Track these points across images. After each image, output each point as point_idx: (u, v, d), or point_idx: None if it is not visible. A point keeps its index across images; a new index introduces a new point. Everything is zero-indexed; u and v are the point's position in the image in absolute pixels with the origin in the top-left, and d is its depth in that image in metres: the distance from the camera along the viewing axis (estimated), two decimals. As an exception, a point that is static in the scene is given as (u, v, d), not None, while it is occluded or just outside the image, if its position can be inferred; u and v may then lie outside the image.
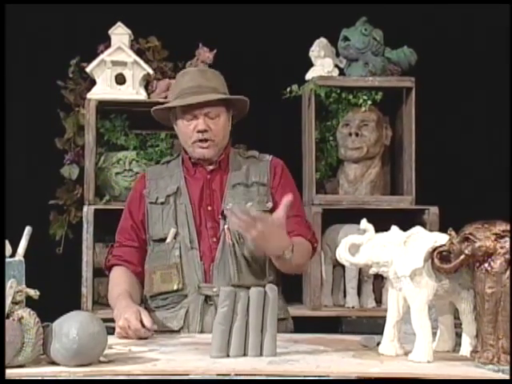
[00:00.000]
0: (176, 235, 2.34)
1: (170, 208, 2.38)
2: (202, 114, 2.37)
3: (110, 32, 3.46)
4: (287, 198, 2.15)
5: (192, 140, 2.39)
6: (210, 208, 2.39)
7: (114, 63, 3.41)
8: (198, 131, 2.37)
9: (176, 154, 2.58)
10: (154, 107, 2.52)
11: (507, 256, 1.75)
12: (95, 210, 3.29)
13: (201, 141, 2.37)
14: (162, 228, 2.37)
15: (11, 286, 1.73)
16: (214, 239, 2.35)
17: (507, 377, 1.68)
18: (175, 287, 2.32)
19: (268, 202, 2.41)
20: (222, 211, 2.36)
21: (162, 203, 2.39)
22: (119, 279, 2.40)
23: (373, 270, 1.90)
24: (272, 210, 2.31)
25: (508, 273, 1.75)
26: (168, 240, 2.34)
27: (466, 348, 1.90)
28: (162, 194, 2.40)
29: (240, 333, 1.85)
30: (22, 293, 1.75)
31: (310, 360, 1.82)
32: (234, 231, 2.31)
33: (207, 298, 2.30)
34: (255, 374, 1.69)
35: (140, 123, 3.52)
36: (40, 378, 1.66)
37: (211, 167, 2.44)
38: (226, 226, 2.33)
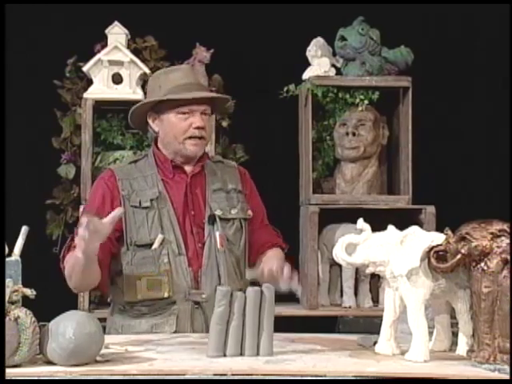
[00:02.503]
0: (163, 241, 2.30)
1: (155, 213, 2.32)
2: (199, 111, 2.35)
3: (106, 31, 3.46)
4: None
5: (186, 135, 2.35)
6: (193, 213, 2.36)
7: (111, 62, 3.41)
8: (197, 127, 2.34)
9: (140, 154, 2.53)
10: (144, 101, 2.46)
11: (503, 255, 1.76)
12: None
13: (195, 138, 2.35)
14: (149, 233, 2.30)
15: (7, 286, 1.73)
16: (200, 245, 2.33)
17: (504, 376, 1.68)
18: (165, 295, 2.27)
19: (248, 210, 2.43)
20: (210, 216, 2.35)
21: (147, 208, 2.32)
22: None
23: (369, 270, 1.91)
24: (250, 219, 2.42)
25: (504, 272, 1.75)
26: (155, 246, 2.28)
27: (462, 347, 1.91)
28: (143, 197, 2.33)
29: (237, 332, 1.85)
30: (19, 292, 1.75)
31: (307, 359, 1.82)
32: (223, 236, 2.32)
33: (195, 304, 2.29)
34: (252, 374, 1.69)
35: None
36: (36, 378, 1.66)
37: (191, 170, 2.40)
38: (218, 233, 2.32)
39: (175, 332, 2.27)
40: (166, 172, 2.40)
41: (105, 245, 2.21)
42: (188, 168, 2.41)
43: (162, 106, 2.38)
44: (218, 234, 2.32)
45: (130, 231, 2.31)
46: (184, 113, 2.35)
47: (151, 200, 2.33)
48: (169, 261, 2.29)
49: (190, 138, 2.35)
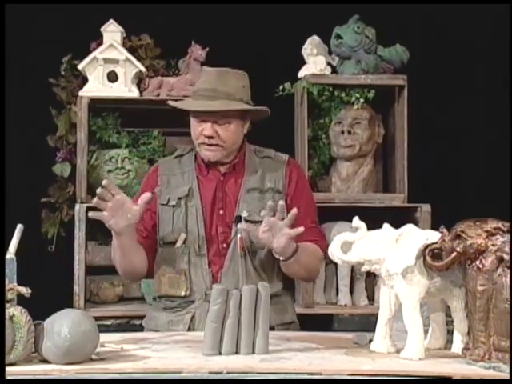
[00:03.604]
0: (185, 240, 2.30)
1: (181, 211, 2.32)
2: (210, 120, 2.30)
3: (102, 29, 3.45)
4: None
5: (199, 141, 2.34)
6: (221, 212, 2.34)
7: (106, 61, 3.41)
8: (205, 136, 2.31)
9: (189, 147, 2.46)
10: (170, 102, 2.42)
11: (498, 253, 1.76)
12: (87, 208, 3.28)
13: (207, 144, 2.32)
14: (172, 232, 2.32)
15: (2, 284, 1.73)
16: (224, 245, 2.31)
17: (499, 374, 1.68)
18: (182, 293, 2.29)
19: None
20: (236, 217, 2.31)
21: (174, 206, 2.33)
22: None
23: (365, 268, 1.91)
24: (284, 218, 2.25)
25: (499, 270, 1.76)
26: (177, 245, 2.30)
27: (457, 345, 1.91)
28: (173, 195, 2.35)
29: (232, 330, 1.85)
30: (14, 291, 1.75)
31: (302, 358, 1.82)
32: (246, 240, 2.29)
33: None
34: (247, 372, 1.69)
35: (132, 121, 3.51)
36: (32, 376, 1.66)
37: (225, 169, 2.37)
38: (238, 236, 2.29)
39: (188, 331, 2.27)
40: (202, 169, 2.39)
41: (143, 238, 2.34)
42: (223, 167, 2.38)
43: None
44: (238, 236, 2.30)
45: (160, 228, 2.36)
46: (198, 120, 2.33)
47: (179, 198, 2.34)
48: (188, 260, 2.30)
49: (203, 143, 2.33)
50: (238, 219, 2.31)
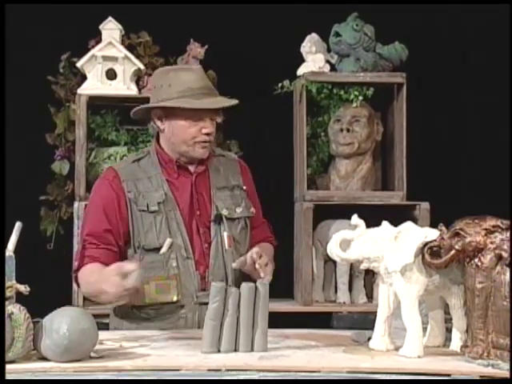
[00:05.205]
0: (171, 245, 2.28)
1: (163, 217, 2.29)
2: (209, 117, 2.31)
3: (100, 27, 3.45)
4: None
5: (196, 140, 2.31)
6: (198, 212, 2.34)
7: (105, 58, 3.40)
8: (206, 134, 2.30)
9: (146, 151, 2.42)
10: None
11: (497, 251, 1.76)
12: (85, 205, 3.28)
13: (204, 142, 2.31)
14: (157, 237, 2.28)
15: (1, 282, 1.73)
16: (206, 245, 2.32)
17: (503, 373, 1.69)
18: (174, 298, 2.26)
19: (251, 208, 2.41)
20: (216, 216, 2.32)
21: (154, 211, 2.29)
22: (98, 268, 2.22)
23: (364, 266, 1.91)
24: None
25: (498, 268, 1.76)
26: (164, 250, 2.26)
27: (456, 343, 1.91)
28: (151, 200, 2.30)
29: (231, 328, 1.85)
30: (12, 288, 1.75)
31: (301, 355, 1.83)
32: (231, 237, 2.32)
33: (203, 305, 2.24)
34: (246, 370, 1.69)
35: (131, 119, 3.49)
36: (30, 374, 1.66)
37: (194, 168, 2.36)
38: (226, 233, 2.31)
39: None
40: (171, 172, 2.36)
41: (115, 253, 2.28)
42: (192, 167, 2.38)
43: (172, 108, 2.31)
44: (225, 234, 2.31)
45: (138, 235, 2.29)
46: (195, 119, 2.30)
47: (158, 203, 2.30)
48: (177, 265, 2.27)
49: (199, 142, 2.32)
50: (219, 218, 2.33)
